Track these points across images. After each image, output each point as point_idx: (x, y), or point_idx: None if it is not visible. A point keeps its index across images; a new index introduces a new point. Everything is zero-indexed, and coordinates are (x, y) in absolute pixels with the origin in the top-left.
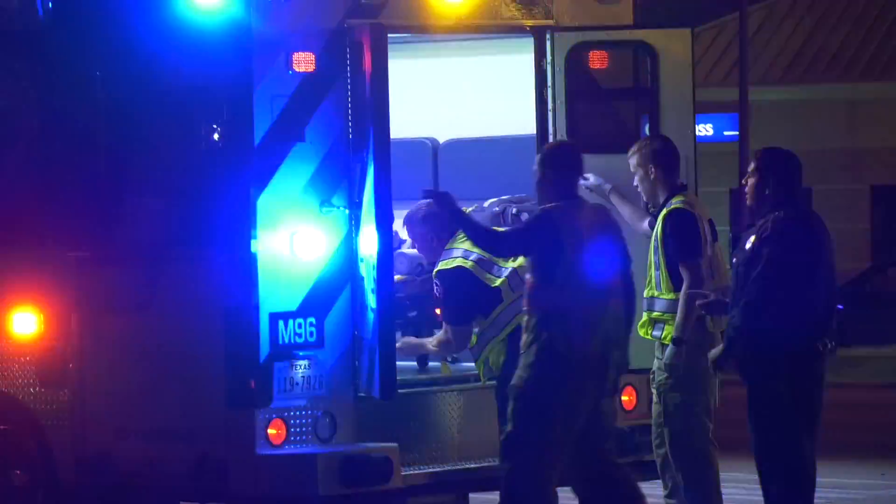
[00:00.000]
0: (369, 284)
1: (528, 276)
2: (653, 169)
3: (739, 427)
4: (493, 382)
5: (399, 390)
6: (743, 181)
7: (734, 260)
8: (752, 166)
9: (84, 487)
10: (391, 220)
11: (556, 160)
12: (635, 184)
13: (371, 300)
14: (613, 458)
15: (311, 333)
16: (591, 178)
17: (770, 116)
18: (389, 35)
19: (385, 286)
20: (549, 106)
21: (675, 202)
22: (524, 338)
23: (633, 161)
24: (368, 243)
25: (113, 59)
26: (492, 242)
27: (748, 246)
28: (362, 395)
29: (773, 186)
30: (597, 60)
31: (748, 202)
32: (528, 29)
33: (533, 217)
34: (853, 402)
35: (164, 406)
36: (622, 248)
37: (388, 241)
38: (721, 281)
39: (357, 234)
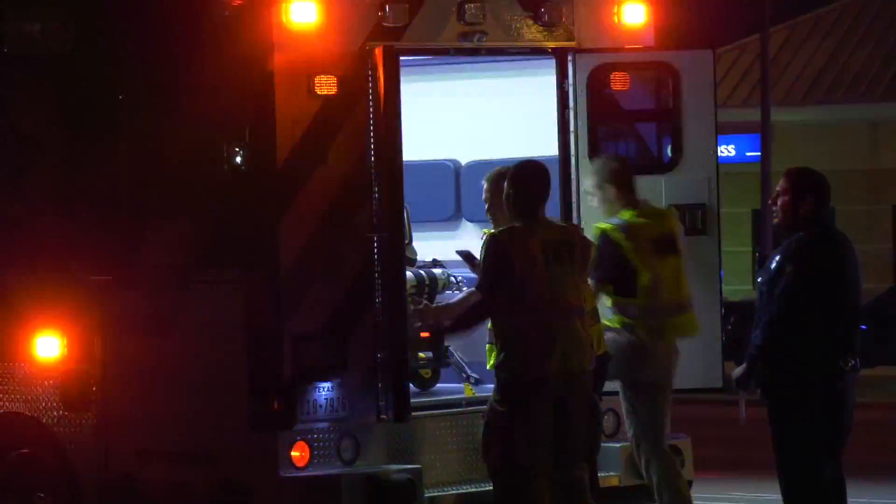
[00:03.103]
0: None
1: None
2: (611, 188)
3: (763, 447)
4: None
5: (422, 412)
6: (771, 200)
7: (759, 279)
8: (782, 185)
9: None
10: (403, 241)
11: (518, 178)
12: (595, 205)
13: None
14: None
15: (335, 355)
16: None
17: (792, 137)
18: (412, 57)
19: (397, 307)
20: (571, 127)
21: (614, 220)
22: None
23: (590, 183)
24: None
25: (136, 82)
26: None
27: (773, 265)
28: (384, 417)
29: (804, 206)
30: (619, 82)
31: (776, 221)
32: (550, 51)
33: (483, 244)
34: (876, 421)
35: (188, 429)
36: (583, 266)
37: (399, 262)
38: (672, 296)
39: (379, 256)
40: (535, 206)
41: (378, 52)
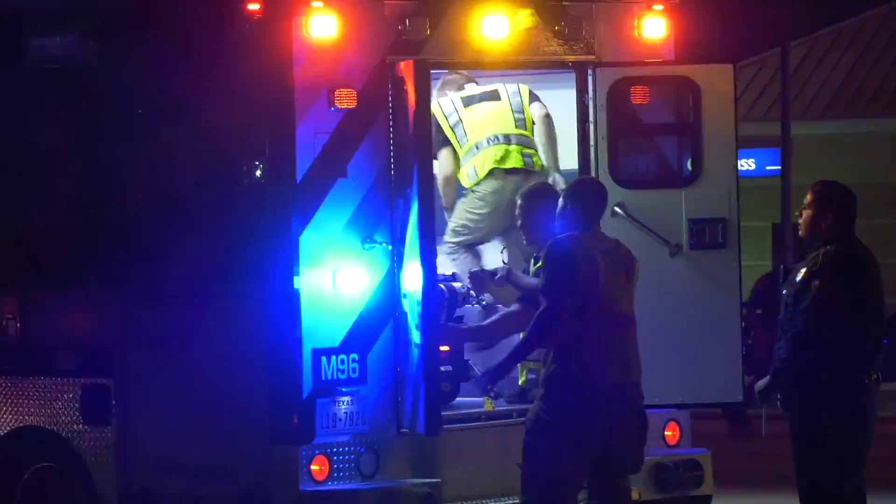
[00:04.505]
0: (413, 320)
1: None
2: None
3: (784, 461)
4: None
5: (442, 426)
6: (797, 213)
7: (783, 292)
8: (808, 199)
9: None
10: (434, 254)
11: (578, 195)
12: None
13: (415, 336)
14: None
15: (354, 369)
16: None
17: (812, 151)
18: (432, 71)
19: (429, 321)
20: (591, 141)
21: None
22: (542, 370)
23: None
24: (412, 279)
25: (155, 96)
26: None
27: (798, 279)
28: (405, 430)
29: (829, 220)
30: (638, 96)
31: (801, 234)
32: (569, 64)
33: (546, 248)
34: None
35: (208, 443)
36: (631, 279)
37: (432, 275)
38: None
39: (400, 270)
40: (593, 221)
41: (408, 65)
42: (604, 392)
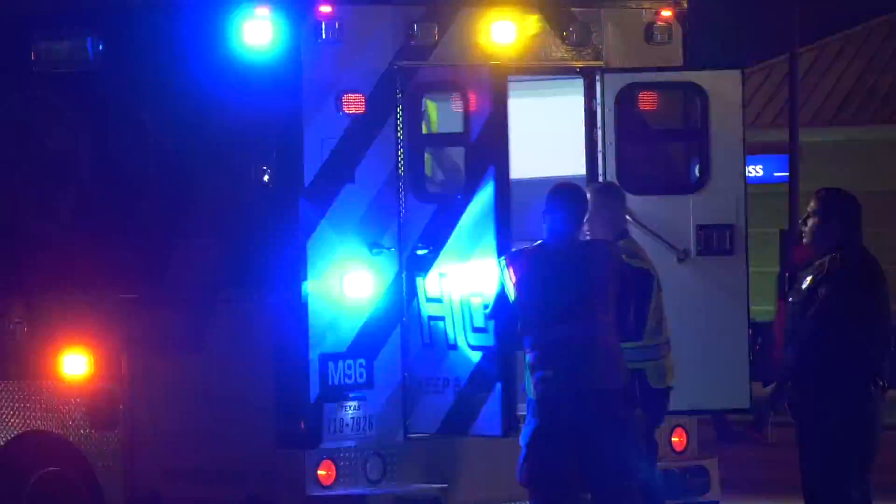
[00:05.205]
0: (476, 323)
1: None
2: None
3: (791, 468)
4: None
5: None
6: (801, 220)
7: (790, 299)
8: (812, 206)
9: None
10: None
11: (549, 201)
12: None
13: (470, 338)
14: None
15: (361, 374)
16: None
17: (820, 158)
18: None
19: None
20: (599, 147)
21: None
22: None
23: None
24: (474, 281)
25: (162, 101)
26: None
27: (804, 286)
28: (475, 434)
29: (834, 227)
30: (647, 102)
31: (806, 241)
32: (578, 70)
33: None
34: None
35: (215, 447)
36: (595, 281)
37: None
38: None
39: (416, 275)
40: (566, 229)
41: (492, 70)
42: (558, 398)
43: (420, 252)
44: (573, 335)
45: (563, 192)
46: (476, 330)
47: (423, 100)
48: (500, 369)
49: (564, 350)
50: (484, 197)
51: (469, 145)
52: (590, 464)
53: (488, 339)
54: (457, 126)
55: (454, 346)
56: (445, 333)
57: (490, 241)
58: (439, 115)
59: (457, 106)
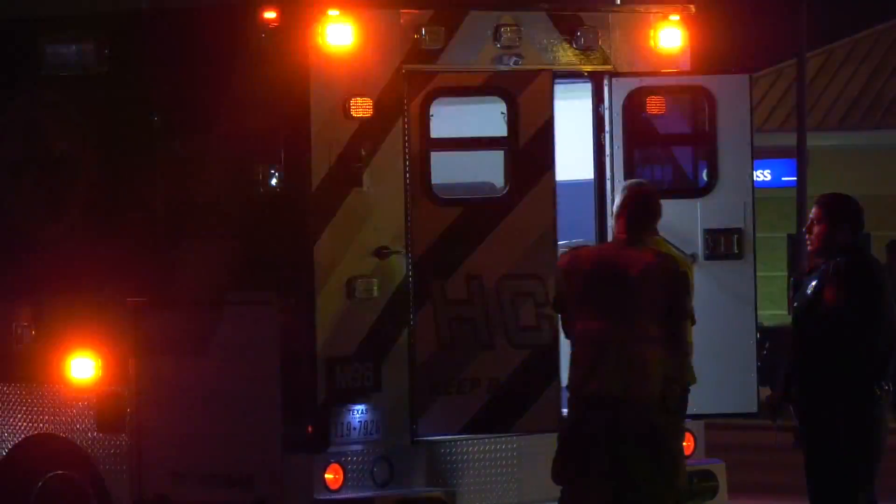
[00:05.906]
0: (523, 322)
1: None
2: None
3: (797, 472)
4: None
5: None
6: (805, 226)
7: (795, 304)
8: (817, 212)
9: None
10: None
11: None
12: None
13: (517, 337)
14: None
15: (368, 378)
16: None
17: (828, 162)
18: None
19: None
20: (607, 151)
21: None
22: None
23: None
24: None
25: (171, 104)
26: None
27: (809, 290)
28: (526, 432)
29: (838, 232)
30: (655, 106)
31: (812, 247)
32: (586, 74)
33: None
34: None
35: (222, 451)
36: (636, 292)
37: None
38: None
39: (415, 277)
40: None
41: (548, 76)
42: (587, 401)
43: (435, 255)
44: (606, 337)
45: (628, 194)
46: (524, 329)
47: (434, 104)
48: (550, 366)
49: (596, 350)
50: (533, 199)
51: (516, 149)
52: (616, 471)
53: (539, 338)
54: (494, 130)
55: (490, 346)
56: (475, 334)
57: (547, 242)
58: (469, 118)
59: (493, 110)
